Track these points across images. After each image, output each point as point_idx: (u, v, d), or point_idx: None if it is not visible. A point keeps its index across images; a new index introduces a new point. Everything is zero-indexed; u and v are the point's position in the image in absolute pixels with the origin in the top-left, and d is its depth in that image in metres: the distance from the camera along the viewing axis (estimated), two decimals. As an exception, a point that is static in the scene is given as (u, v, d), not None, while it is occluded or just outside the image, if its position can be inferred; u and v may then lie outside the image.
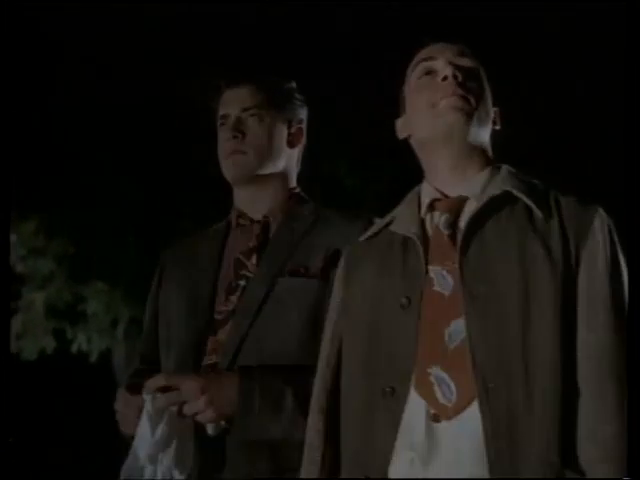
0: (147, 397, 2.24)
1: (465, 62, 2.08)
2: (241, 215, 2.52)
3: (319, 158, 6.58)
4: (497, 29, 6.44)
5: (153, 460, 2.22)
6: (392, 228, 2.08)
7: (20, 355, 7.53)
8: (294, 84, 2.58)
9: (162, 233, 6.44)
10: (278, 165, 2.51)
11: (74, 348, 7.44)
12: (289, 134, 2.53)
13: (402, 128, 2.15)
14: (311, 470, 2.05)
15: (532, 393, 1.85)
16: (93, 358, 7.51)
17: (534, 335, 1.88)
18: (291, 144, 2.54)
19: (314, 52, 6.74)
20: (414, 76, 2.10)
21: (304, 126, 2.58)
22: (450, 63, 2.06)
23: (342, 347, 2.08)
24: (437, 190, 2.06)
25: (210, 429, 2.28)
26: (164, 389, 2.25)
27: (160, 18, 6.56)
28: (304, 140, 2.59)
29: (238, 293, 2.41)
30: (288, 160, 2.54)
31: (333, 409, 2.06)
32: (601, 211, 2.00)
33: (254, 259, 2.45)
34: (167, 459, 2.22)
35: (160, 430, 2.21)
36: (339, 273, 2.17)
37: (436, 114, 2.02)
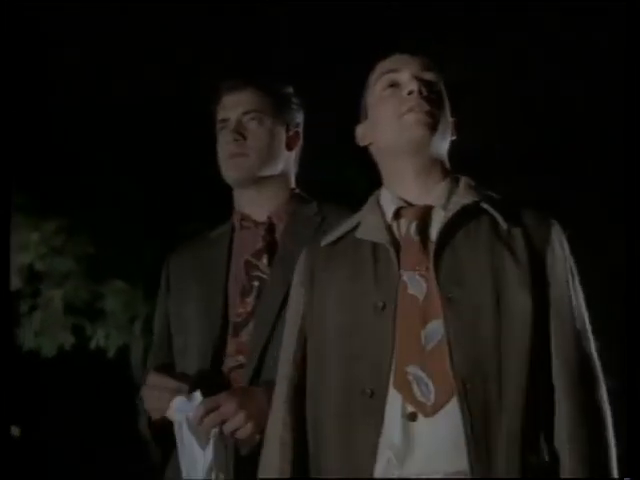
0: (180, 418, 2.27)
1: (429, 76, 2.13)
2: (244, 218, 2.56)
3: (325, 161, 6.69)
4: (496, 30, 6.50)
5: None
6: (358, 235, 2.12)
7: (40, 352, 7.59)
8: (291, 88, 2.63)
9: (176, 234, 6.56)
10: (278, 167, 2.55)
11: (93, 344, 7.49)
12: (287, 137, 2.58)
13: (363, 135, 2.20)
14: (284, 468, 2.07)
15: (506, 392, 1.92)
16: (111, 354, 7.56)
17: (507, 336, 1.95)
18: (289, 147, 2.59)
19: (318, 53, 6.79)
20: (378, 87, 2.14)
21: (301, 129, 2.63)
22: (415, 77, 2.11)
23: (308, 347, 2.12)
24: (400, 198, 2.11)
25: (243, 448, 2.31)
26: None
27: (162, 18, 6.62)
28: (301, 142, 2.63)
29: (254, 294, 2.46)
30: (287, 162, 2.59)
31: (298, 403, 2.10)
32: (557, 224, 2.10)
33: (265, 259, 2.49)
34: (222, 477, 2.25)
35: (212, 452, 2.24)
36: (300, 276, 2.19)
37: (401, 127, 2.07)
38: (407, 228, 2.07)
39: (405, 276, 2.02)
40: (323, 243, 2.19)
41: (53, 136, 6.98)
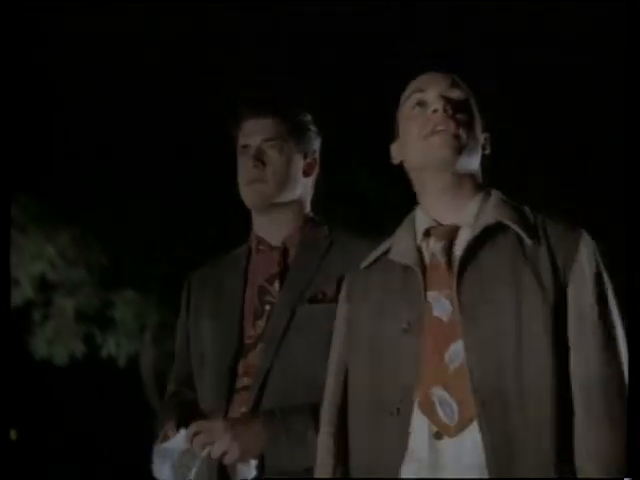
0: (175, 449, 2.30)
1: (455, 94, 2.12)
2: (260, 241, 2.59)
3: (339, 168, 6.74)
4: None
5: None
6: (391, 256, 2.14)
7: (52, 360, 7.65)
8: (309, 116, 2.64)
9: (189, 248, 6.61)
10: (295, 193, 2.57)
11: (104, 352, 7.55)
12: (305, 164, 2.60)
13: (396, 153, 2.20)
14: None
15: (527, 411, 1.92)
16: (122, 362, 7.62)
17: (528, 356, 1.94)
18: (306, 173, 2.60)
19: (334, 61, 6.81)
20: (407, 106, 2.15)
21: (318, 156, 2.65)
22: (441, 96, 2.10)
23: (349, 369, 2.14)
24: (431, 218, 2.11)
25: (239, 477, 2.32)
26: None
27: (187, 34, 6.69)
28: (317, 169, 2.65)
29: (265, 318, 2.49)
30: (303, 188, 2.60)
31: (342, 426, 2.13)
32: (585, 235, 2.06)
33: (277, 285, 2.52)
34: None
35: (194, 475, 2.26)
36: (342, 301, 2.23)
37: (427, 147, 2.07)
38: (434, 249, 2.08)
39: (431, 297, 2.03)
40: (362, 265, 2.21)
41: (72, 150, 7.05)
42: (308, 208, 2.64)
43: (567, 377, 1.96)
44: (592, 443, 1.92)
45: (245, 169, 2.56)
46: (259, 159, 2.54)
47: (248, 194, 2.56)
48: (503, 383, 1.94)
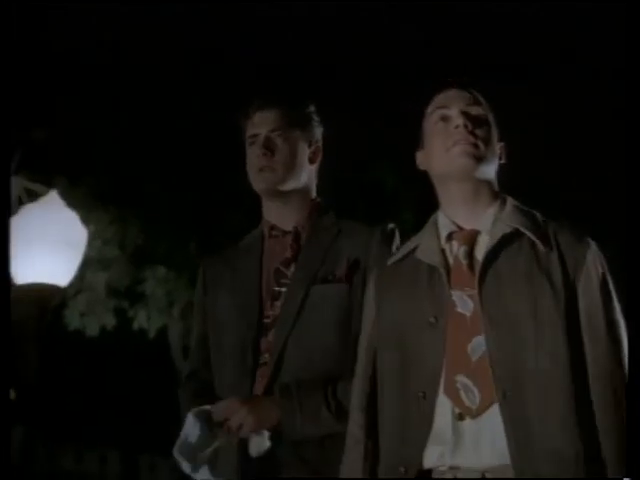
0: (190, 441, 2.47)
1: (476, 110, 2.32)
2: (273, 227, 2.72)
3: (360, 160, 6.88)
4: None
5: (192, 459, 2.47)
6: (418, 256, 2.32)
7: (85, 331, 7.83)
8: (313, 107, 2.77)
9: (220, 233, 6.82)
10: (302, 180, 2.71)
11: (135, 325, 7.74)
12: (310, 152, 2.74)
13: (422, 161, 2.39)
14: (356, 461, 2.29)
15: (543, 397, 2.11)
16: (152, 334, 7.81)
17: (543, 350, 2.14)
18: (311, 161, 2.74)
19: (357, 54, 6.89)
20: (431, 121, 2.34)
21: (321, 144, 2.78)
22: (462, 112, 2.29)
23: (377, 357, 2.32)
24: (452, 222, 2.30)
25: (254, 447, 2.50)
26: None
27: (204, 34, 6.83)
28: (321, 157, 2.78)
29: (282, 299, 2.63)
30: (309, 175, 2.74)
31: (371, 407, 2.31)
32: (592, 244, 2.26)
33: (292, 267, 2.66)
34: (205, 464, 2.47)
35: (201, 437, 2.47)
36: (369, 293, 2.40)
37: (449, 158, 2.27)
38: (457, 251, 2.26)
39: (454, 296, 2.22)
40: (389, 262, 2.39)
41: (113, 136, 7.24)
42: (314, 194, 2.77)
43: (580, 367, 2.15)
44: (606, 424, 2.11)
45: (254, 158, 2.68)
46: (268, 148, 2.66)
47: (258, 181, 2.69)
48: (522, 373, 2.13)
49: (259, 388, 2.56)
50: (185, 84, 7.34)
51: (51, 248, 5.21)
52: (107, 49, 7.00)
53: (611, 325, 2.20)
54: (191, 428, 2.47)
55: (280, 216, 2.73)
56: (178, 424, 2.54)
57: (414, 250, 2.35)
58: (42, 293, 5.26)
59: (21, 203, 7.32)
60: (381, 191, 7.01)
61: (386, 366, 2.29)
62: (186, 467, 2.46)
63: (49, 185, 7.37)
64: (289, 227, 2.71)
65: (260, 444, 2.50)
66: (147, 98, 7.36)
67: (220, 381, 2.65)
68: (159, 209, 7.34)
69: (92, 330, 7.78)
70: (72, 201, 7.15)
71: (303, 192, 2.74)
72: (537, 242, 2.23)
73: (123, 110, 7.45)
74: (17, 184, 7.26)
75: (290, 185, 2.69)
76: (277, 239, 2.72)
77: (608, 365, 2.16)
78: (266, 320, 2.63)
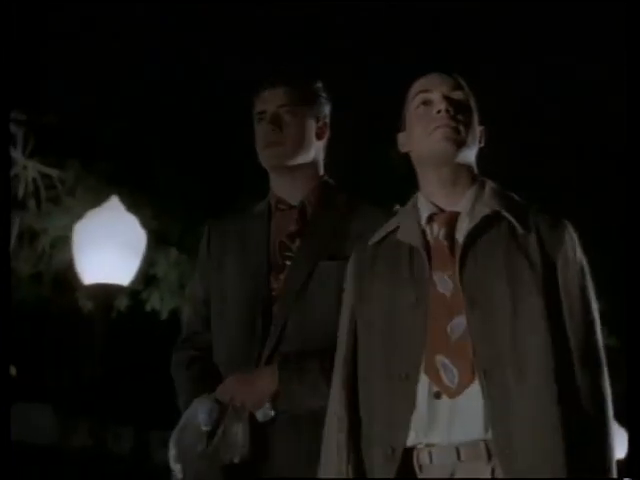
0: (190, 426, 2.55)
1: (457, 95, 2.31)
2: (279, 201, 2.72)
3: (372, 146, 6.88)
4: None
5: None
6: (399, 237, 2.32)
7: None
8: (320, 83, 2.78)
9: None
10: (309, 155, 2.72)
11: (148, 307, 7.79)
12: (317, 127, 2.74)
13: (403, 143, 2.39)
14: (340, 437, 2.28)
15: (520, 373, 2.13)
16: (164, 315, 7.86)
17: (521, 329, 2.15)
18: (319, 137, 2.75)
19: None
20: (413, 104, 2.33)
21: (328, 120, 2.79)
22: (445, 97, 2.29)
23: (358, 333, 2.32)
24: (432, 204, 2.30)
25: (260, 416, 2.53)
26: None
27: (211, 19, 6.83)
28: (328, 133, 2.79)
29: (286, 272, 2.64)
30: (317, 151, 2.75)
31: (353, 386, 2.31)
32: (569, 226, 2.27)
33: (298, 242, 2.66)
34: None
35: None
36: (351, 270, 2.39)
37: (430, 141, 2.27)
38: (437, 233, 2.27)
39: (435, 276, 2.23)
40: (370, 242, 2.39)
41: (126, 119, 7.26)
42: (322, 170, 2.78)
43: (559, 345, 2.16)
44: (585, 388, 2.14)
45: (263, 133, 2.70)
46: (276, 123, 2.67)
47: (267, 156, 2.70)
48: (501, 352, 2.14)
49: (263, 358, 2.59)
50: (199, 67, 7.35)
51: (114, 250, 5.66)
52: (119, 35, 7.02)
53: (587, 304, 2.22)
54: (203, 414, 2.54)
55: (287, 190, 2.73)
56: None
57: (394, 231, 2.35)
58: (107, 292, 5.71)
59: (35, 186, 7.41)
60: (393, 173, 7.06)
61: (367, 347, 2.29)
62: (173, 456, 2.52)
63: (62, 168, 7.43)
64: (295, 201, 2.72)
65: (265, 414, 2.55)
66: (159, 81, 7.37)
67: (222, 347, 2.67)
68: (171, 193, 7.37)
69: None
70: (85, 185, 7.22)
71: (311, 167, 2.74)
72: (516, 224, 2.24)
73: (135, 93, 7.46)
74: (31, 168, 7.33)
75: (298, 160, 2.70)
76: (283, 212, 2.72)
77: (584, 340, 2.18)
78: (273, 292, 2.64)
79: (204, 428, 2.52)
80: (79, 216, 6.34)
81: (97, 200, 6.37)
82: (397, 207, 2.65)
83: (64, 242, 7.33)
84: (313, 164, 2.75)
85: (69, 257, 7.50)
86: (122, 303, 7.71)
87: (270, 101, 2.70)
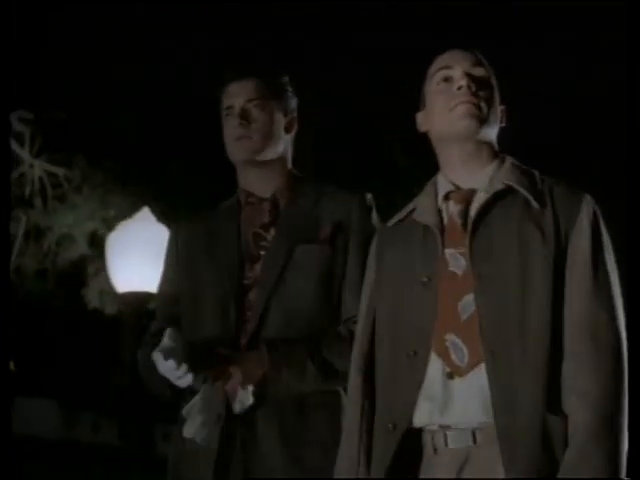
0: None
1: (479, 72, 2.28)
2: (250, 195, 2.71)
3: (375, 139, 6.89)
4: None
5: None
6: (415, 217, 2.29)
7: (103, 310, 7.85)
8: (287, 78, 2.77)
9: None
10: (278, 149, 2.71)
11: (152, 305, 7.79)
12: (286, 121, 2.73)
13: (422, 122, 2.35)
14: (353, 422, 2.27)
15: (527, 354, 2.08)
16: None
17: (529, 307, 2.10)
18: (287, 130, 2.74)
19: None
20: (434, 81, 2.30)
21: (296, 115, 2.78)
22: (466, 73, 2.26)
23: (375, 318, 2.30)
24: (451, 182, 2.27)
25: (237, 406, 2.50)
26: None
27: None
28: (296, 127, 2.78)
29: (263, 260, 2.63)
30: (285, 145, 2.74)
31: (369, 369, 2.28)
32: (587, 198, 2.20)
33: (272, 231, 2.66)
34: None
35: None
36: (371, 253, 2.39)
37: (452, 118, 2.23)
38: (452, 211, 2.24)
39: (448, 254, 2.20)
40: (389, 223, 2.38)
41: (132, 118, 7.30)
42: (290, 164, 2.77)
43: (562, 325, 2.11)
44: (580, 382, 2.06)
45: (231, 128, 2.68)
46: (244, 117, 2.65)
47: (236, 150, 2.68)
48: (509, 332, 2.10)
49: (242, 344, 2.57)
50: (201, 66, 7.38)
51: (144, 259, 5.98)
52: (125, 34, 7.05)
53: (598, 276, 2.13)
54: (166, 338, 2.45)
55: (257, 184, 2.72)
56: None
57: (412, 211, 2.33)
58: (139, 300, 6.16)
59: (42, 185, 7.46)
60: (393, 169, 7.06)
61: (381, 326, 2.28)
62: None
63: (69, 166, 7.48)
64: (266, 195, 2.71)
65: (244, 400, 2.50)
66: (163, 80, 7.40)
67: (196, 335, 2.63)
68: (178, 191, 7.40)
69: (111, 309, 7.80)
70: (92, 183, 7.26)
71: (280, 161, 2.73)
72: (530, 199, 2.19)
73: (139, 92, 7.50)
74: (38, 167, 7.38)
75: (268, 154, 2.69)
76: (253, 206, 2.71)
77: (588, 309, 2.10)
78: (246, 281, 2.63)
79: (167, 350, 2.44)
80: (84, 214, 6.38)
81: (103, 199, 6.40)
82: (369, 195, 2.68)
83: (69, 239, 7.37)
84: (282, 158, 2.74)
85: (74, 254, 7.56)
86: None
87: (237, 95, 2.69)
